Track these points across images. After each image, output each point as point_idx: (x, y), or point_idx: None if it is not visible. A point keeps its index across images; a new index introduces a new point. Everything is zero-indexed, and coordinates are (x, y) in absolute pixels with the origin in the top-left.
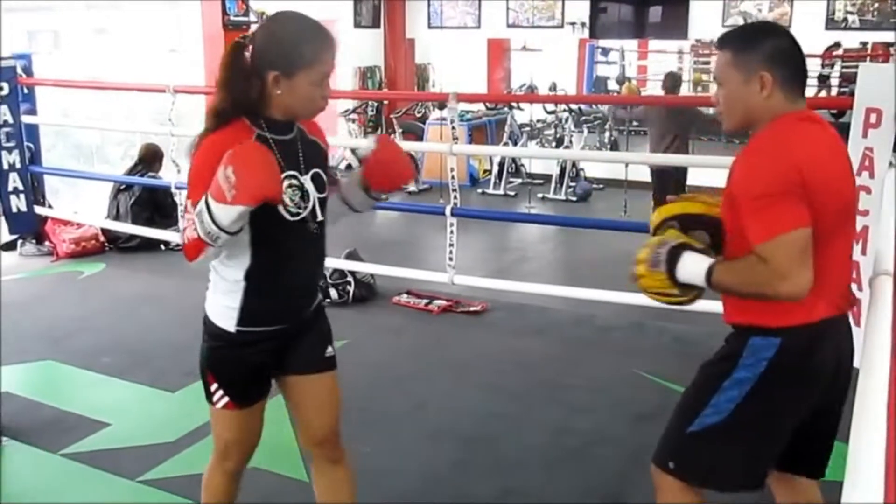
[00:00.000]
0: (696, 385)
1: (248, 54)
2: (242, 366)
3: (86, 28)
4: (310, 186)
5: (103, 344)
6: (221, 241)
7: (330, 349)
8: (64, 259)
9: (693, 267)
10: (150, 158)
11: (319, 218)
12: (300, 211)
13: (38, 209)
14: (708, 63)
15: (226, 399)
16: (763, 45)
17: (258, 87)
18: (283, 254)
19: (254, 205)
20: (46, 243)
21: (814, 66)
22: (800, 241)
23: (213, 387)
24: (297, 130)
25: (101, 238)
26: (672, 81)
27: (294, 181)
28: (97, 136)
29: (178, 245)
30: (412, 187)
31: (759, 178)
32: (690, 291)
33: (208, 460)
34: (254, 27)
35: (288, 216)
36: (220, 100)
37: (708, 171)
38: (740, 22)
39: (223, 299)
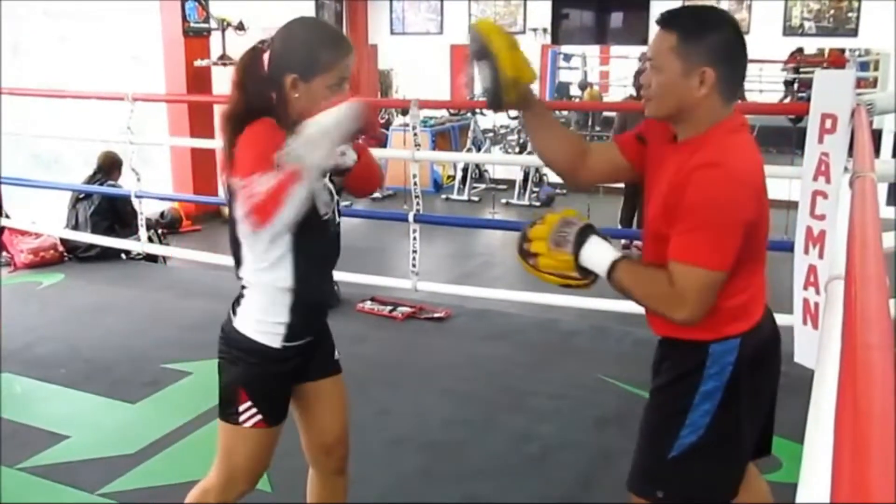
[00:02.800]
0: (660, 409)
1: (265, 59)
2: (283, 382)
3: (47, 36)
4: (331, 187)
5: (61, 355)
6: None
7: (336, 352)
8: (22, 269)
9: (598, 256)
10: (109, 167)
11: (338, 220)
12: (328, 211)
13: None
14: None
15: (258, 418)
16: (712, 37)
17: (275, 91)
18: (319, 256)
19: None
20: (4, 254)
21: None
22: (712, 282)
23: (244, 405)
24: None
25: (60, 248)
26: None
27: (323, 182)
28: (56, 145)
29: (138, 254)
30: (375, 193)
31: (712, 208)
32: (587, 277)
33: (170, 472)
34: (216, 34)
35: (320, 216)
36: (236, 102)
37: None
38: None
39: (265, 315)
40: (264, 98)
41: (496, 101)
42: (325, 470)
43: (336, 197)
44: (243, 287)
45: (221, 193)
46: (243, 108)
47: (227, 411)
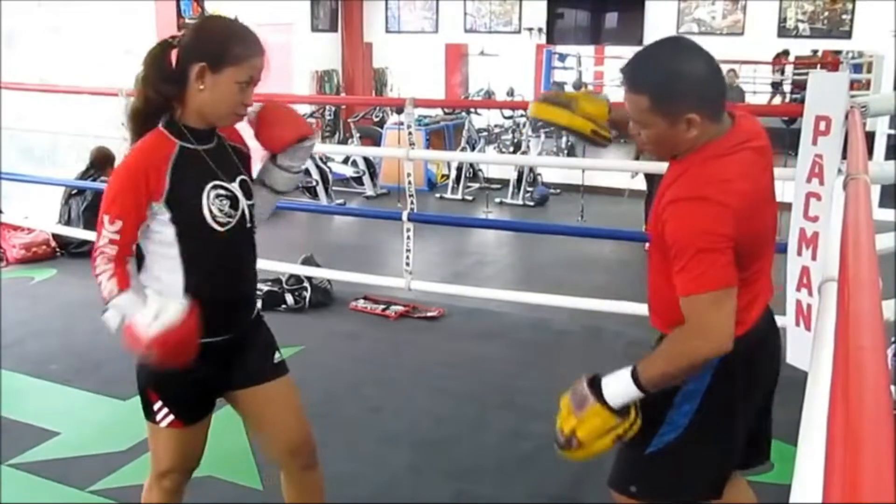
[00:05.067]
0: (644, 406)
1: (173, 55)
2: (188, 381)
3: (39, 27)
4: (238, 193)
5: (53, 351)
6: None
7: (277, 355)
8: (14, 265)
9: (618, 384)
10: (102, 162)
11: (249, 224)
12: (230, 220)
13: None
14: None
15: (171, 417)
16: (686, 89)
17: (179, 87)
18: (216, 265)
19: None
20: None
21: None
22: (725, 300)
23: (157, 405)
24: (218, 138)
25: (53, 243)
26: None
27: (222, 190)
28: (49, 139)
29: None
30: (370, 192)
31: (693, 231)
32: (628, 414)
33: None
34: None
35: (218, 227)
36: (137, 99)
37: None
38: (695, 29)
39: None
40: (165, 95)
41: (598, 146)
42: (295, 468)
43: (246, 202)
44: (145, 289)
45: None
46: (144, 105)
47: (146, 411)
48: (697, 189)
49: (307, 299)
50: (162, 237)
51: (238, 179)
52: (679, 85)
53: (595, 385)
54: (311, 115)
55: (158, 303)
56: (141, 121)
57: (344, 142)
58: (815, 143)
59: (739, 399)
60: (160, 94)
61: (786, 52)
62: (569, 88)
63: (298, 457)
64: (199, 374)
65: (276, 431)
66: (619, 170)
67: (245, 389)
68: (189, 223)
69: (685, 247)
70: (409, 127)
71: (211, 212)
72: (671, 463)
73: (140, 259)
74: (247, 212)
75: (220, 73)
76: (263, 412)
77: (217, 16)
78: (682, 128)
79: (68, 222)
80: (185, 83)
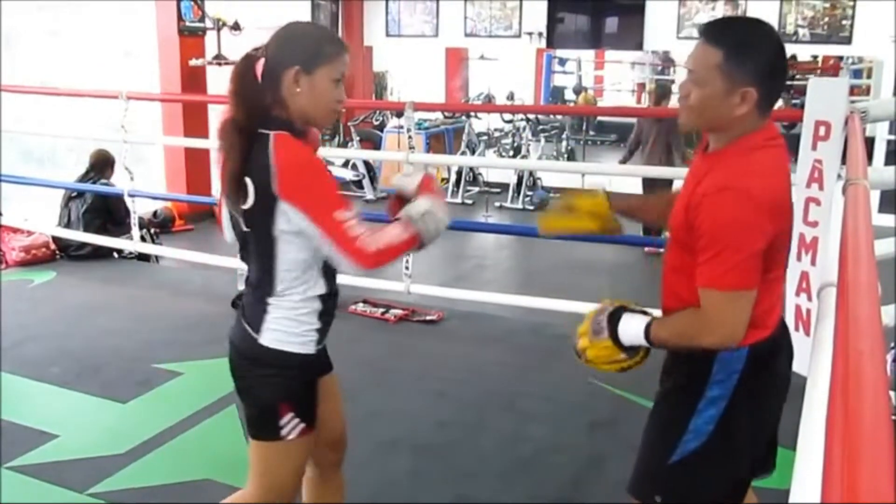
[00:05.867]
0: (663, 413)
1: (258, 67)
2: (315, 383)
3: (39, 29)
4: None
5: (52, 353)
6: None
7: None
8: (13, 267)
9: (632, 328)
10: (102, 165)
11: None
12: None
13: None
14: (663, 73)
15: (301, 427)
16: (758, 57)
17: (273, 95)
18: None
19: None
20: None
21: None
22: (739, 302)
23: (287, 418)
24: None
25: (52, 246)
26: (662, 91)
27: None
28: (49, 142)
29: (130, 253)
30: (369, 195)
31: (728, 227)
32: (636, 354)
33: (159, 472)
34: (211, 34)
35: None
36: (234, 109)
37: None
38: (695, 34)
39: (296, 325)
40: (262, 103)
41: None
42: (328, 465)
43: None
44: (266, 302)
45: (216, 194)
46: (243, 115)
47: (267, 430)
48: (737, 180)
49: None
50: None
51: None
52: (755, 55)
53: (615, 318)
54: None
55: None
56: (239, 135)
57: (344, 145)
58: (814, 148)
59: (760, 405)
60: (256, 106)
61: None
62: (569, 93)
63: (336, 450)
64: (318, 374)
65: (325, 423)
66: (618, 174)
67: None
68: None
69: (717, 238)
70: (409, 130)
71: None
72: (697, 471)
73: (267, 255)
74: None
75: (314, 74)
76: (321, 403)
77: (297, 21)
78: (735, 99)
79: (68, 225)
80: (278, 90)
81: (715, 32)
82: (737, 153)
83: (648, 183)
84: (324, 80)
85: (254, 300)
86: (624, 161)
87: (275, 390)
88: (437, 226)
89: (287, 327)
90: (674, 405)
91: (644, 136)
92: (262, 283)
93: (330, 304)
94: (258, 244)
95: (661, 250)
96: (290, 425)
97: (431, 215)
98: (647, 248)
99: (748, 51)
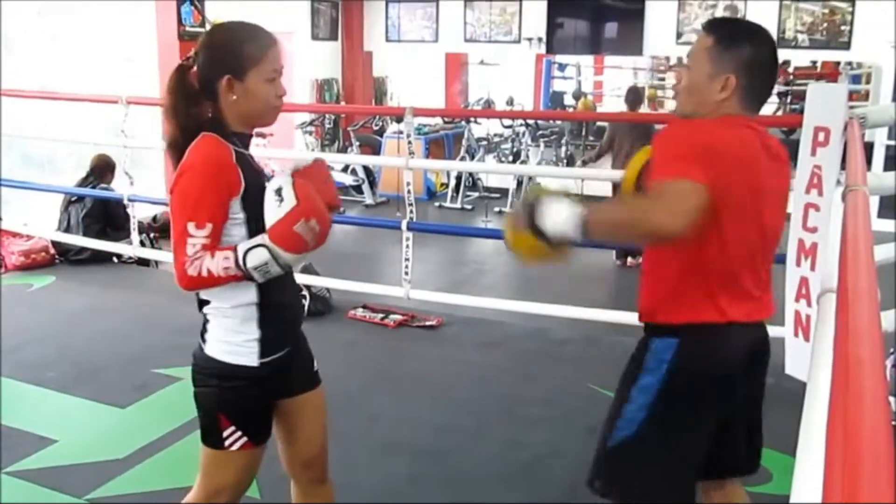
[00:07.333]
0: (615, 396)
1: (192, 76)
2: (262, 402)
3: (39, 34)
4: None
5: (51, 358)
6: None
7: (315, 363)
8: (12, 271)
9: (559, 215)
10: (102, 169)
11: None
12: None
13: None
14: (663, 80)
15: (243, 440)
16: (743, 49)
17: (212, 102)
18: None
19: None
20: None
21: None
22: (690, 190)
23: (228, 430)
24: None
25: (52, 250)
26: (635, 96)
27: None
28: (49, 146)
29: (130, 258)
30: (369, 200)
31: (667, 145)
32: (561, 245)
33: (158, 478)
34: None
35: None
36: (172, 130)
37: None
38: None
39: (235, 335)
40: (198, 119)
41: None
42: (307, 481)
43: None
44: (206, 312)
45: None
46: (179, 133)
47: (211, 438)
48: (691, 124)
49: (306, 308)
50: (233, 241)
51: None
52: (741, 45)
53: (531, 208)
54: (311, 124)
55: (268, 193)
56: (180, 150)
57: (343, 150)
58: (813, 153)
59: (699, 401)
60: (194, 118)
61: (787, 63)
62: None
63: (310, 469)
64: (272, 391)
65: (298, 442)
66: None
67: (290, 398)
68: (260, 220)
69: (660, 158)
70: (408, 136)
71: None
72: (627, 462)
73: None
74: None
75: (246, 79)
76: (295, 421)
77: (220, 24)
78: (717, 85)
79: (67, 229)
80: (215, 98)
81: (714, 23)
82: (711, 119)
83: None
84: (257, 82)
85: (202, 312)
86: (589, 160)
87: (213, 401)
88: (272, 275)
89: (225, 336)
90: (618, 388)
91: (618, 143)
92: (200, 293)
93: (274, 313)
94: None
95: (640, 259)
96: (233, 437)
97: (263, 269)
98: (622, 260)
99: (736, 40)
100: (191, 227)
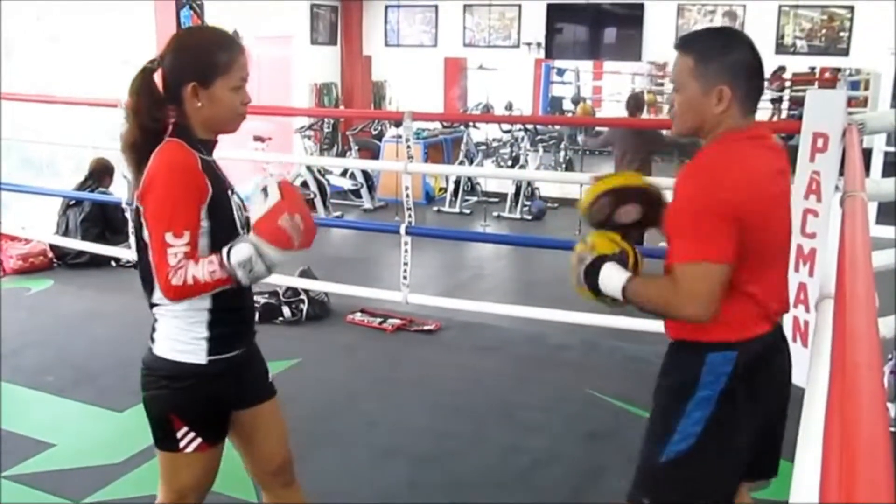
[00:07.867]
0: (654, 415)
1: (156, 79)
2: (216, 400)
3: (37, 37)
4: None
5: (49, 362)
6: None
7: (269, 372)
8: (11, 275)
9: (611, 282)
10: (101, 173)
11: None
12: (245, 228)
13: None
14: (662, 85)
15: (198, 441)
16: (726, 58)
17: (176, 108)
18: None
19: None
20: None
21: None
22: (710, 274)
23: (182, 431)
24: None
25: (50, 254)
26: (635, 102)
27: (237, 198)
28: (48, 150)
29: (128, 261)
30: (367, 204)
31: (690, 201)
32: (616, 301)
33: (156, 482)
34: None
35: (239, 230)
36: (131, 130)
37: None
38: None
39: (184, 333)
40: (162, 120)
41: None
42: (276, 487)
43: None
44: (155, 313)
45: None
46: (139, 135)
47: (165, 441)
48: (703, 162)
49: (304, 312)
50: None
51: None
52: (722, 56)
53: (593, 268)
54: (310, 128)
55: (254, 192)
56: (139, 152)
57: (342, 154)
58: (812, 159)
59: (749, 409)
60: (157, 121)
61: (782, 69)
62: (567, 103)
63: (279, 476)
64: (224, 391)
65: (261, 454)
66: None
67: (246, 409)
68: (223, 231)
69: (680, 214)
70: (407, 140)
71: (238, 219)
72: (685, 473)
73: (144, 263)
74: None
75: (212, 88)
76: (254, 434)
77: (190, 29)
78: (712, 100)
79: (66, 233)
80: (180, 103)
81: (685, 43)
82: (722, 143)
83: None
84: (223, 90)
85: (151, 313)
86: (594, 146)
87: (165, 403)
88: (256, 274)
89: (173, 335)
90: (664, 407)
91: (617, 148)
92: (146, 293)
93: (225, 317)
94: (138, 252)
95: None
96: (187, 439)
97: (248, 266)
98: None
99: (715, 53)
100: (169, 237)
